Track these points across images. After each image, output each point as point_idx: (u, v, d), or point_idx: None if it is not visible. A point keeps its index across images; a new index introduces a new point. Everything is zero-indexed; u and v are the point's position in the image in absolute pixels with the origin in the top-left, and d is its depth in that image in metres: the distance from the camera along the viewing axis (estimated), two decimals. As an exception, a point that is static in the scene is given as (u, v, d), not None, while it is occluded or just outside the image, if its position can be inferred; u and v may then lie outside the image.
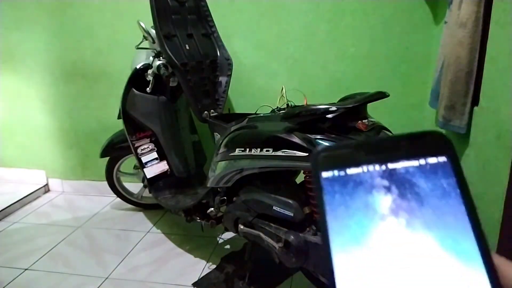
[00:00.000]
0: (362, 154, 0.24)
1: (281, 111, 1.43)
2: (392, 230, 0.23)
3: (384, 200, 0.23)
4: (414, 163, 0.24)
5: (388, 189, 0.23)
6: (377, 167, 0.24)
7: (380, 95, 1.17)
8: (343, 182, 0.24)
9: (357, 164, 0.24)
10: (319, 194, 0.24)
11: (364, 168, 0.24)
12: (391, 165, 0.24)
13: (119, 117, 1.93)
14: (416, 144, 0.24)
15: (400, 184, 0.23)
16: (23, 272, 1.76)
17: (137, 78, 1.82)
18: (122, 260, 1.84)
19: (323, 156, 0.25)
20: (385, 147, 0.25)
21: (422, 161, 0.24)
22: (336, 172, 0.24)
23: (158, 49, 1.67)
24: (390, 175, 0.24)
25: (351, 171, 0.24)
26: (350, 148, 0.25)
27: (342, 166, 0.24)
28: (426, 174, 0.23)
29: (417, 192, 0.23)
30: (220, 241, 1.99)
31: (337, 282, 0.22)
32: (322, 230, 0.23)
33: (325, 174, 0.24)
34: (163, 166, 1.93)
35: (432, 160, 0.24)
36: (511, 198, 1.07)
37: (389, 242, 0.23)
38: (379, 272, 0.22)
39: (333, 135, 1.15)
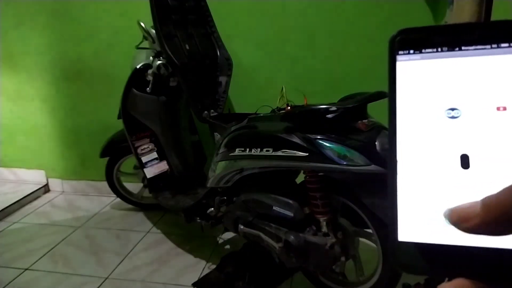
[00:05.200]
0: (437, 37, 0.26)
1: (281, 111, 1.43)
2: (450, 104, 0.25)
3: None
4: (486, 47, 0.24)
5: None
6: (450, 48, 0.25)
7: (380, 95, 1.17)
8: (417, 63, 0.26)
9: (432, 46, 0.25)
10: (391, 74, 0.26)
11: (438, 49, 0.25)
12: (464, 48, 0.25)
13: (119, 117, 1.93)
14: (490, 30, 0.25)
15: (469, 66, 0.25)
16: (23, 272, 1.76)
17: (137, 78, 1.81)
18: (122, 260, 1.84)
19: (400, 37, 0.26)
20: (460, 31, 0.25)
21: (494, 46, 0.24)
22: (411, 52, 0.26)
23: (158, 49, 1.66)
24: (462, 56, 0.25)
25: (426, 51, 0.25)
26: (426, 31, 0.26)
27: (418, 47, 0.26)
28: (496, 58, 0.24)
29: (482, 73, 0.25)
30: (220, 241, 1.99)
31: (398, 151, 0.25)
32: (390, 107, 0.26)
33: (401, 53, 0.26)
34: (163, 166, 1.93)
35: (504, 45, 0.24)
36: None
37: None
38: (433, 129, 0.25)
39: (333, 135, 1.15)
